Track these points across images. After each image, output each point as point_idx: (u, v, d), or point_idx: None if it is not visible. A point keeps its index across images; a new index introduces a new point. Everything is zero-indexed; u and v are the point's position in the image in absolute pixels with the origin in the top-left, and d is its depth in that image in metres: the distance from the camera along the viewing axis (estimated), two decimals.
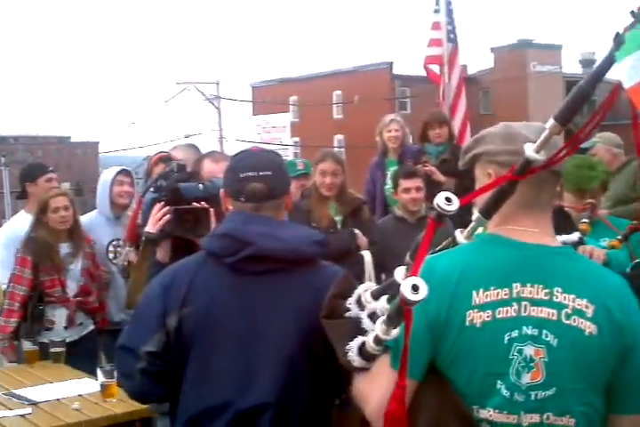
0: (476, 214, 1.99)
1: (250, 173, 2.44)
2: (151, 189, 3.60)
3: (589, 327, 1.85)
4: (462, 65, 8.58)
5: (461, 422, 1.88)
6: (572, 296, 1.87)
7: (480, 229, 2.05)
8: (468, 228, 2.03)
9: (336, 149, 44.61)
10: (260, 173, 2.45)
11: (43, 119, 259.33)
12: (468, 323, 1.86)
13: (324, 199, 5.08)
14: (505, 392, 1.84)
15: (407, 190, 5.26)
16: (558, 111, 1.83)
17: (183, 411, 2.39)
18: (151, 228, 3.43)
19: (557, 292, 1.87)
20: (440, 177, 6.10)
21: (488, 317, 1.86)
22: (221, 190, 2.61)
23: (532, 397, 1.84)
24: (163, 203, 3.42)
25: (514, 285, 1.88)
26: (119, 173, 5.33)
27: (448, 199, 1.83)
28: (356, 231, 4.96)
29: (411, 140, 6.94)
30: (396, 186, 5.33)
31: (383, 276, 4.99)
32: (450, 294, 1.88)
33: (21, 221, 5.12)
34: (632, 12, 1.74)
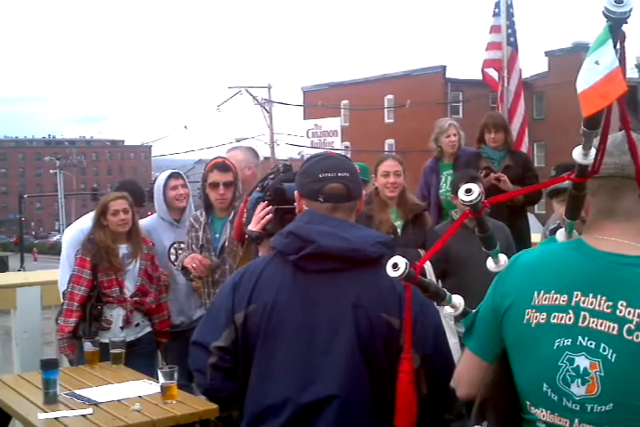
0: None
1: (329, 174, 2.49)
2: (257, 189, 3.66)
3: None
4: (520, 69, 8.47)
5: (480, 405, 2.00)
6: (637, 311, 1.77)
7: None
8: (564, 228, 2.07)
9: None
10: (339, 175, 2.50)
11: (97, 123, 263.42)
12: (524, 321, 1.90)
13: (385, 204, 5.05)
14: (553, 396, 1.84)
15: None
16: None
17: (248, 407, 2.44)
18: (254, 226, 3.49)
19: (622, 305, 1.78)
20: (508, 185, 5.90)
21: (543, 319, 1.87)
22: (295, 192, 2.64)
23: (589, 409, 1.79)
24: (266, 202, 3.47)
25: (575, 293, 1.84)
26: (170, 176, 5.42)
27: (468, 190, 1.98)
28: (421, 252, 4.88)
29: (464, 145, 6.84)
30: (456, 191, 5.24)
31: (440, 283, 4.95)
32: (517, 289, 1.94)
33: (87, 222, 5.16)
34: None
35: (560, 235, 2.13)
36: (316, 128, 39.45)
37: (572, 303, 1.84)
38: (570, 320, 1.83)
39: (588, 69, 1.71)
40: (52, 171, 65.98)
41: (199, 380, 2.57)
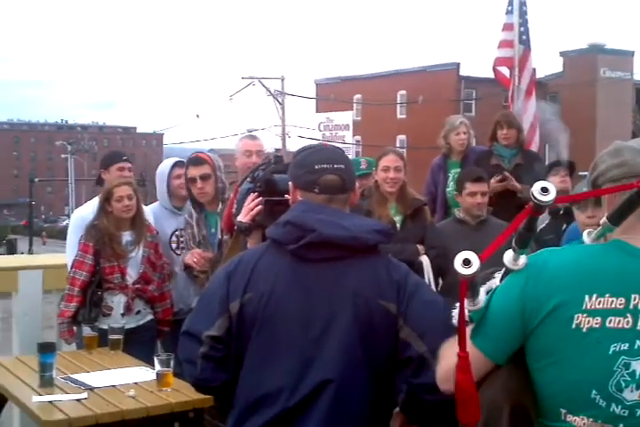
0: (603, 219, 1.97)
1: (325, 166, 2.49)
2: (248, 180, 3.65)
3: None
4: (532, 68, 8.43)
5: (512, 411, 1.91)
6: None
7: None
8: (596, 231, 2.02)
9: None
10: (335, 166, 2.50)
11: (110, 109, 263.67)
12: (574, 326, 1.83)
13: (385, 199, 5.02)
14: (601, 402, 1.81)
15: (473, 194, 5.11)
16: None
17: (241, 397, 2.43)
18: (243, 218, 3.49)
19: None
20: (516, 185, 5.88)
21: (597, 323, 1.82)
22: (290, 183, 2.64)
23: (638, 414, 1.78)
24: (256, 193, 3.46)
25: (633, 296, 1.81)
26: (174, 165, 5.42)
27: (544, 189, 1.84)
28: (420, 248, 4.87)
29: (474, 143, 6.81)
30: (461, 189, 5.21)
31: (440, 280, 4.93)
32: (560, 292, 1.86)
33: (91, 208, 5.18)
34: None
35: (588, 237, 2.07)
36: (328, 121, 39.29)
37: (631, 306, 1.80)
38: (628, 324, 1.80)
39: None
40: (63, 155, 66.15)
41: (189, 371, 2.53)
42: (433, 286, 4.64)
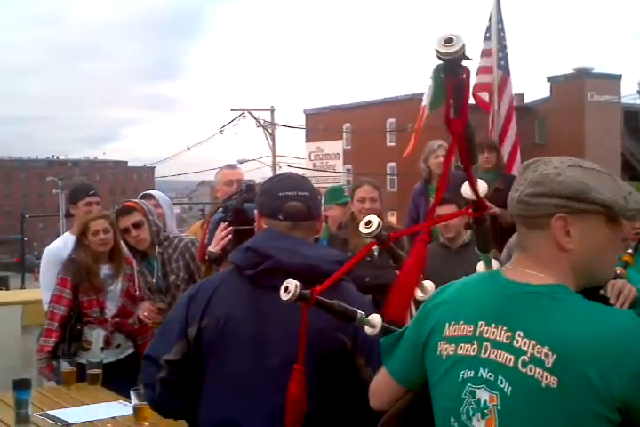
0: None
1: (289, 193, 2.50)
2: (220, 209, 3.66)
3: (547, 379, 1.62)
4: (519, 93, 8.47)
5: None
6: (532, 342, 1.67)
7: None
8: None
9: (389, 177, 44.67)
10: (299, 193, 2.51)
11: (102, 144, 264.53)
12: (438, 353, 1.85)
13: None
14: None
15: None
16: None
17: (202, 423, 2.44)
18: (214, 247, 3.49)
19: (519, 336, 1.70)
20: (496, 210, 5.80)
21: (452, 351, 1.82)
22: (255, 211, 2.64)
23: None
24: (227, 223, 3.46)
25: (479, 323, 1.78)
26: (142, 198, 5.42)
27: (367, 222, 2.12)
28: (397, 273, 4.85)
29: (453, 168, 6.80)
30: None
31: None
32: (435, 320, 1.89)
33: (60, 243, 5.18)
34: None
35: (480, 266, 2.13)
36: (319, 151, 39.45)
37: (477, 333, 1.78)
38: (474, 351, 1.77)
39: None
40: (54, 191, 66.07)
41: (149, 394, 2.54)
42: (414, 311, 4.61)
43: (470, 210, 2.00)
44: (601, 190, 1.72)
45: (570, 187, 1.72)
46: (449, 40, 1.72)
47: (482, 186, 2.05)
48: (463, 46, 1.74)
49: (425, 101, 2.08)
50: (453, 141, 1.94)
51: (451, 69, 1.80)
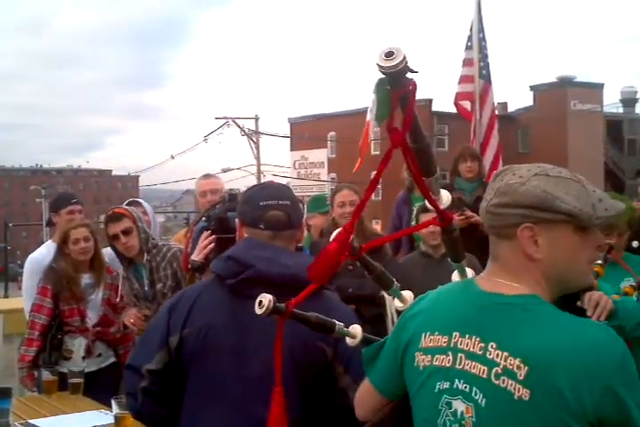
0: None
1: (270, 202, 2.50)
2: (203, 219, 3.67)
3: (519, 391, 1.62)
4: (502, 102, 8.51)
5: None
6: (505, 354, 1.66)
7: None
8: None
9: None
10: (280, 202, 2.51)
11: (86, 152, 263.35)
12: (415, 364, 1.84)
13: None
14: None
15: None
16: None
17: None
18: (196, 256, 3.49)
19: (492, 347, 1.69)
20: (478, 219, 5.82)
21: (428, 362, 1.81)
22: (236, 220, 2.65)
23: None
24: (209, 232, 3.46)
25: (454, 333, 1.78)
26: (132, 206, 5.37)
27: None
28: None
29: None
30: (417, 221, 5.25)
31: None
32: (412, 331, 1.89)
33: (44, 251, 5.16)
34: None
35: (454, 276, 2.14)
36: (303, 159, 39.50)
37: (451, 344, 1.77)
38: (449, 362, 1.76)
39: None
40: (38, 200, 65.77)
41: (131, 404, 2.54)
42: (396, 320, 4.61)
43: (437, 220, 2.00)
44: (566, 199, 1.71)
45: (533, 196, 1.72)
46: (389, 53, 1.71)
47: (445, 196, 2.05)
48: (404, 59, 1.72)
49: (369, 116, 2.08)
50: (388, 153, 1.93)
51: (394, 83, 1.79)
